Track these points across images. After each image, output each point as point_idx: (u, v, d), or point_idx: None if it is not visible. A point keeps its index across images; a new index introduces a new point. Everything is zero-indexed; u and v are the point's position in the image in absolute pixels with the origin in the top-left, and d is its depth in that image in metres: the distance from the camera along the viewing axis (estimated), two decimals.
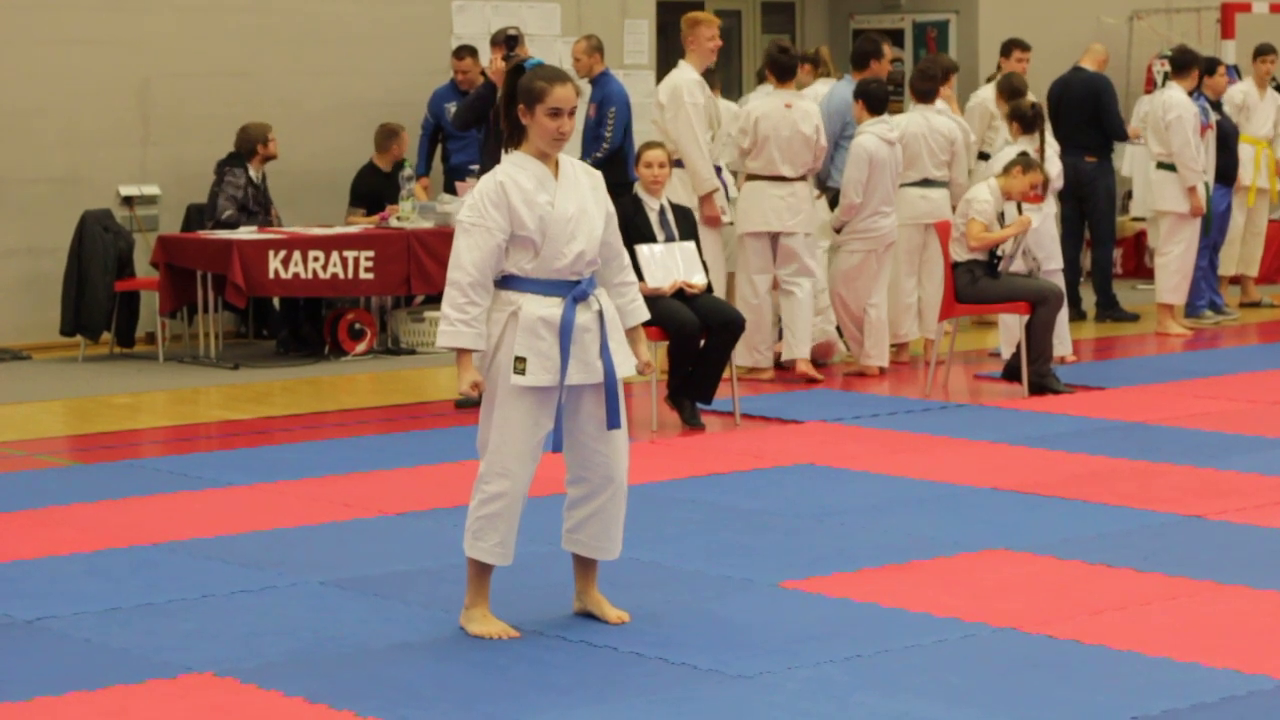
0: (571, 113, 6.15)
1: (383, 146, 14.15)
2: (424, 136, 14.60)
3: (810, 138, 11.74)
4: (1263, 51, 15.53)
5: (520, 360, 6.09)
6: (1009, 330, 12.11)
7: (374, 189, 14.14)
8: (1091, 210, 14.73)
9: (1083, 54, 15.21)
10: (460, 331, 6.09)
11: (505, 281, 6.16)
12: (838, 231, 12.09)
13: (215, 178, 13.45)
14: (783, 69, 11.92)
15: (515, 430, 6.11)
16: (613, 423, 6.22)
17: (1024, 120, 12.33)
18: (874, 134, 11.90)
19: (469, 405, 11.02)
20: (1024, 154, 11.77)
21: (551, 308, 6.13)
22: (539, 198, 6.10)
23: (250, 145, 13.44)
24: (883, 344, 12.10)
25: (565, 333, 6.11)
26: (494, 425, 6.14)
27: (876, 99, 11.95)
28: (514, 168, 6.16)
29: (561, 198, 6.14)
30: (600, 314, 6.21)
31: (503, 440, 6.13)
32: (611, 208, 6.32)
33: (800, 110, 11.77)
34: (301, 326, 13.42)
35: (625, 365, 6.26)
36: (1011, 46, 14.63)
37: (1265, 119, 15.38)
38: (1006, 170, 11.45)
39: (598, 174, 6.35)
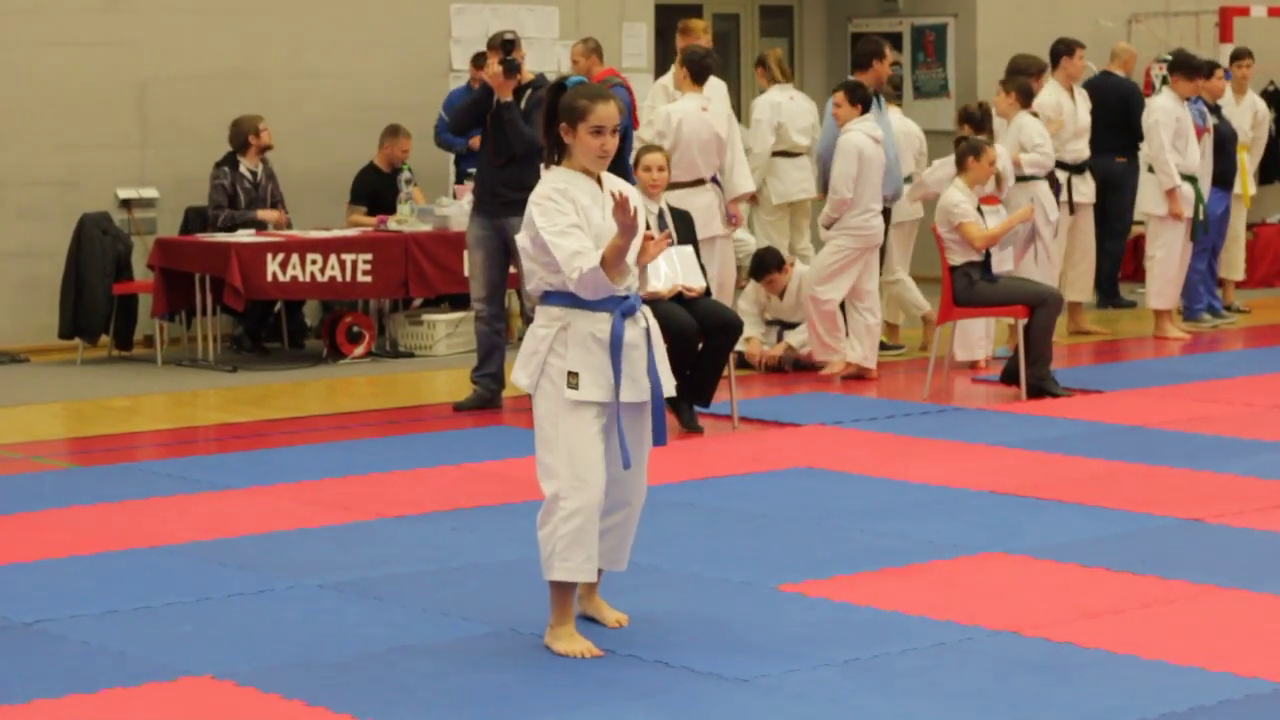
0: (614, 130, 6.08)
1: (382, 144, 14.15)
2: (441, 131, 14.44)
3: (723, 140, 11.82)
4: (1239, 56, 15.53)
5: (574, 375, 6.03)
6: (964, 334, 12.19)
7: (372, 189, 14.17)
8: (1115, 205, 15.01)
9: (1110, 59, 15.62)
10: (590, 267, 5.95)
11: (550, 297, 6.09)
12: (827, 228, 12.05)
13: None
14: (700, 71, 11.93)
15: (583, 442, 6.02)
16: (658, 439, 6.20)
17: (972, 120, 12.59)
18: (862, 131, 11.90)
19: (468, 409, 11.03)
20: (959, 140, 11.77)
21: (601, 323, 6.05)
22: (593, 213, 6.04)
23: (242, 138, 13.45)
24: (873, 344, 12.09)
25: (616, 348, 6.04)
26: (560, 441, 6.04)
27: (864, 100, 11.95)
28: (562, 183, 6.08)
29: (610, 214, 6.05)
30: (647, 331, 6.16)
31: (573, 454, 6.02)
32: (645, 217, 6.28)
33: (714, 113, 11.82)
34: (261, 327, 13.51)
35: (668, 384, 6.22)
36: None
37: (1241, 123, 15.34)
38: (961, 167, 11.47)
39: (631, 188, 6.27)
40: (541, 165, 6.26)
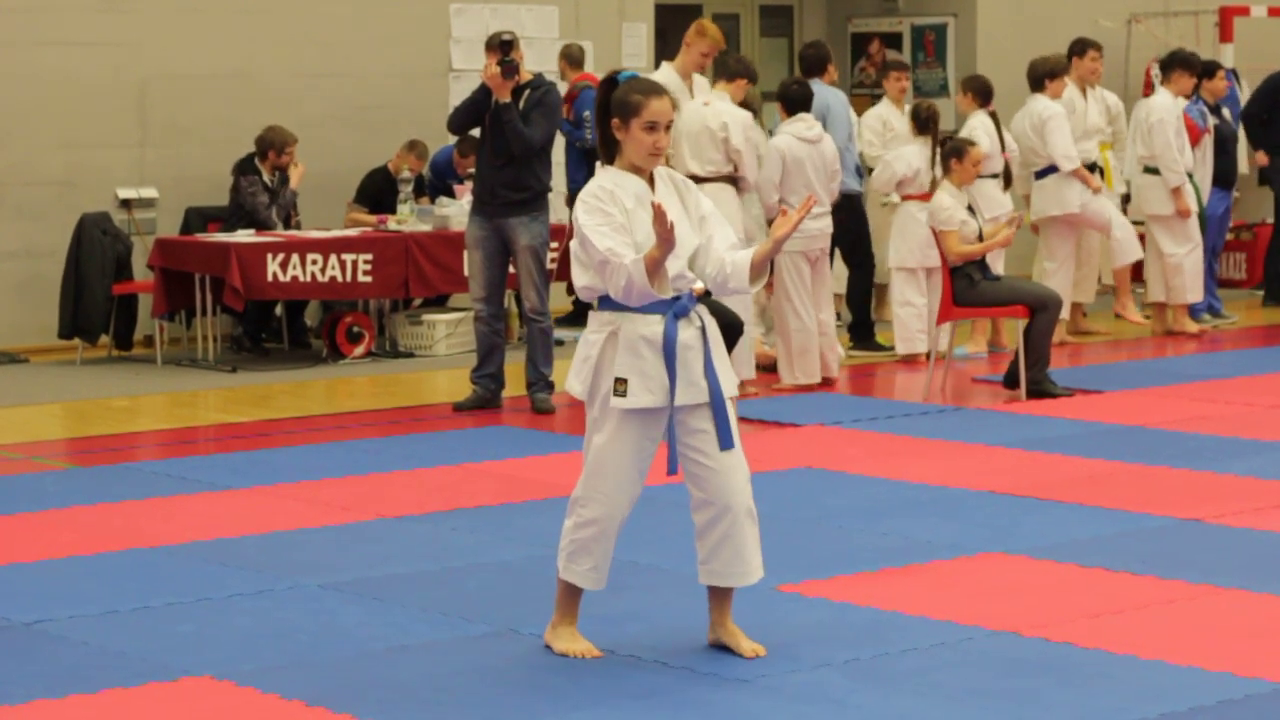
0: (668, 127, 5.94)
1: (400, 154, 14.13)
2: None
3: (716, 134, 11.36)
4: (1085, 47, 14.73)
5: (621, 382, 5.87)
6: (902, 327, 12.38)
7: (377, 191, 14.17)
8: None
9: None
10: (631, 259, 5.80)
11: (604, 303, 5.96)
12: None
13: (234, 180, 13.45)
14: (730, 73, 11.75)
15: (615, 456, 5.91)
16: (725, 443, 5.95)
17: (917, 120, 12.78)
18: (790, 134, 11.75)
19: (468, 409, 11.03)
20: (945, 141, 11.76)
21: (653, 325, 5.90)
22: (639, 215, 5.90)
23: (264, 148, 13.43)
24: (813, 361, 11.79)
25: (670, 350, 5.87)
26: (593, 449, 5.94)
27: (795, 101, 11.83)
28: (611, 183, 5.95)
29: None
30: (703, 330, 5.98)
31: (601, 465, 5.93)
32: (706, 210, 6.09)
33: (713, 109, 11.46)
34: (261, 327, 13.52)
35: (729, 384, 6.02)
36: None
37: (1096, 120, 14.67)
38: (945, 169, 11.49)
39: (689, 182, 6.15)
40: (598, 164, 6.16)
